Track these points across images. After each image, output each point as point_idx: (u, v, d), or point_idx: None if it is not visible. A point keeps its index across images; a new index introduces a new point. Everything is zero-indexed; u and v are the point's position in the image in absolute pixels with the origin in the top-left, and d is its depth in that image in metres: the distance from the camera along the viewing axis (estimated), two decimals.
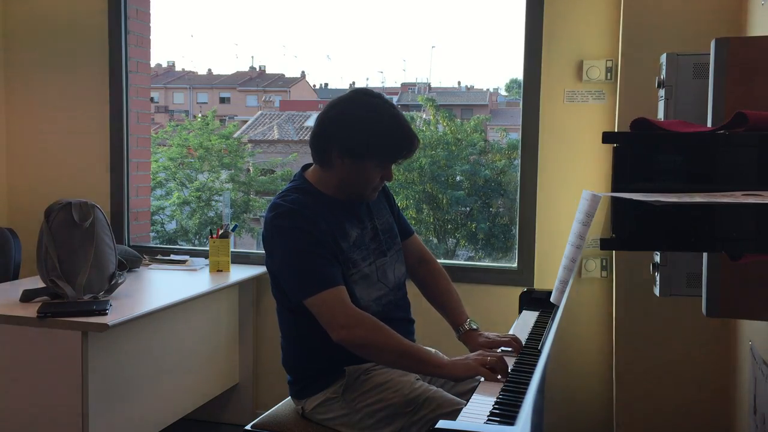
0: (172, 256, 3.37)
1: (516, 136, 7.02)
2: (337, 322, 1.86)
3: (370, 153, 1.93)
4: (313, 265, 1.89)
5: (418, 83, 19.41)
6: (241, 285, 3.25)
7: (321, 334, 1.94)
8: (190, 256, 3.37)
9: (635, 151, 1.68)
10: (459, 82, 24.58)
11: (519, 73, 3.09)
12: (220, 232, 3.17)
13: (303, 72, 24.40)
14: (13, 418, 2.42)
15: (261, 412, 2.14)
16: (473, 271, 3.17)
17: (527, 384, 1.61)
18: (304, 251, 1.90)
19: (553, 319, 1.87)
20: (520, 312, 2.32)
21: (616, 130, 2.71)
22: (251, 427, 2.02)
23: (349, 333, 1.85)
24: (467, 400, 1.58)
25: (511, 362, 1.82)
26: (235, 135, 11.26)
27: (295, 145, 12.14)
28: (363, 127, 1.92)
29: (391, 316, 1.97)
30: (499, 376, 1.74)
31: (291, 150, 11.54)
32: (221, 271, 3.14)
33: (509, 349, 1.92)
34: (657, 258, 1.47)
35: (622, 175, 1.67)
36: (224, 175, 9.98)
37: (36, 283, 2.68)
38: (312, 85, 24.13)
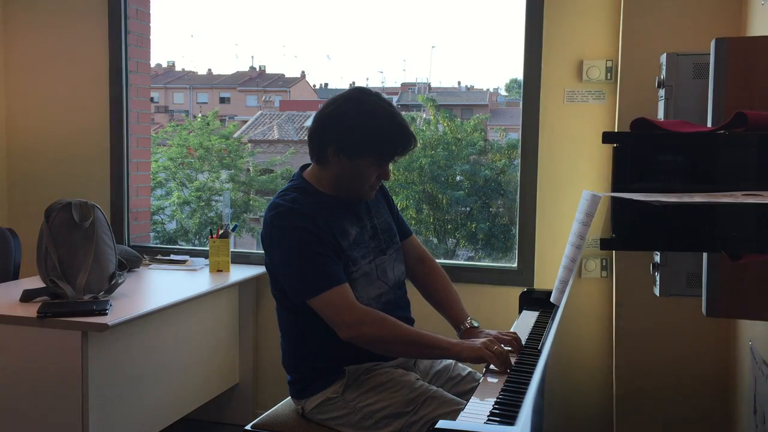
0: (172, 256, 3.37)
1: (516, 135, 7.02)
2: (343, 321, 1.86)
3: (366, 150, 1.93)
4: (316, 264, 1.89)
5: (418, 83, 19.40)
6: (241, 285, 3.25)
7: (321, 334, 1.94)
8: (190, 256, 3.37)
9: (635, 151, 1.68)
10: (459, 82, 24.55)
11: (519, 73, 3.09)
12: (220, 232, 3.17)
13: (303, 72, 24.38)
14: (13, 418, 2.42)
15: (261, 412, 2.14)
16: (473, 271, 3.17)
17: (527, 384, 1.61)
18: (305, 251, 1.90)
19: (553, 319, 1.87)
20: (520, 312, 2.32)
21: (616, 130, 2.71)
22: (251, 427, 2.02)
23: (357, 330, 1.86)
24: (467, 400, 1.59)
25: (511, 362, 1.82)
26: (235, 135, 11.26)
27: (295, 145, 12.13)
28: (358, 125, 1.92)
29: (391, 315, 1.97)
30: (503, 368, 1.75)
31: (290, 150, 11.54)
32: (221, 271, 3.14)
33: (509, 348, 1.92)
34: (657, 258, 1.47)
35: (622, 175, 1.67)
36: (224, 175, 9.97)
37: (36, 283, 2.68)
38: (312, 85, 24.12)
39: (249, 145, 11.65)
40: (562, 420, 0.95)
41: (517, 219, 3.10)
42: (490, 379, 1.73)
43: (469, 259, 8.33)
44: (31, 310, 2.38)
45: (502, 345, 1.91)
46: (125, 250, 3.14)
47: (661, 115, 2.16)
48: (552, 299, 1.97)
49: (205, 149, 9.91)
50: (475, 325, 2.09)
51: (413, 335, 1.90)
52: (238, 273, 3.16)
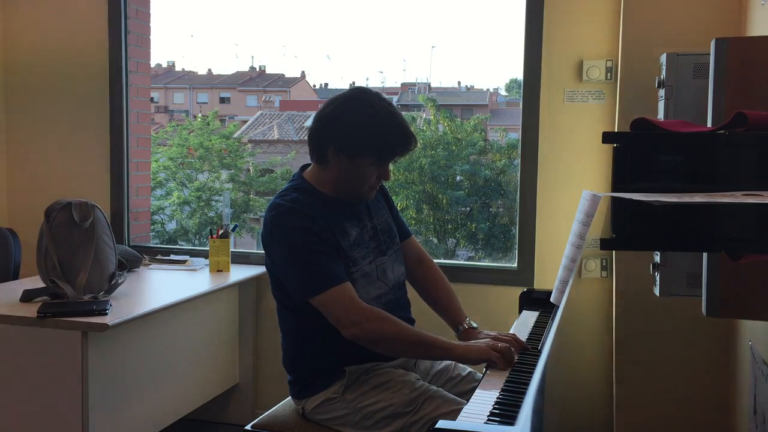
0: (172, 256, 3.37)
1: (516, 135, 7.02)
2: (348, 319, 1.86)
3: (366, 151, 1.93)
4: (318, 263, 1.89)
5: (418, 83, 19.42)
6: (241, 285, 3.25)
7: (321, 334, 1.94)
8: (190, 256, 3.37)
9: (635, 151, 1.68)
10: (459, 82, 24.59)
11: (519, 73, 3.09)
12: (220, 232, 3.17)
13: (303, 72, 24.39)
14: (13, 418, 2.42)
15: (261, 412, 2.14)
16: (473, 271, 3.17)
17: (527, 384, 1.61)
18: (307, 250, 1.90)
19: (553, 319, 1.87)
20: (520, 312, 2.32)
21: (616, 130, 2.71)
22: (251, 427, 2.02)
23: (361, 329, 1.86)
24: (467, 400, 1.59)
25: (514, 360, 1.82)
26: (235, 135, 11.26)
27: (294, 145, 12.14)
28: (358, 125, 1.92)
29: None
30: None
31: (291, 150, 11.55)
32: (221, 271, 3.14)
33: None
34: (657, 258, 1.47)
35: (622, 175, 1.66)
36: (224, 175, 9.98)
37: (36, 283, 2.68)
38: (312, 85, 24.13)
39: (249, 145, 11.65)
40: (562, 420, 0.95)
41: (517, 219, 3.10)
42: (490, 379, 1.73)
43: (469, 259, 8.34)
44: (31, 310, 2.38)
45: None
46: (125, 250, 3.14)
47: (661, 115, 2.16)
48: (552, 299, 1.97)
49: (205, 149, 9.91)
50: (474, 326, 2.09)
51: (417, 335, 1.90)
52: (238, 273, 3.16)
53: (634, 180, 1.64)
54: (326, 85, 25.38)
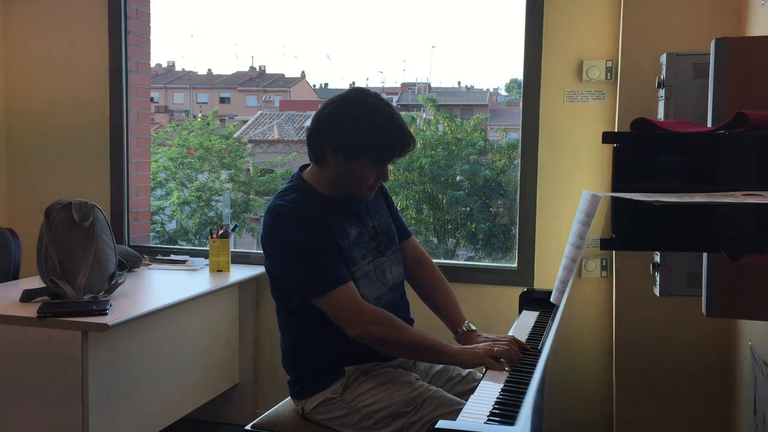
0: (172, 256, 3.37)
1: (516, 135, 7.02)
2: (352, 320, 1.86)
3: (364, 151, 1.93)
4: (321, 264, 1.89)
5: (418, 83, 19.42)
6: (241, 285, 3.25)
7: (321, 334, 1.94)
8: (190, 256, 3.37)
9: (635, 151, 1.68)
10: (459, 82, 24.61)
11: (519, 73, 3.09)
12: (220, 232, 3.17)
13: (303, 72, 24.39)
14: (13, 417, 2.42)
15: (261, 412, 2.14)
16: (473, 271, 3.17)
17: (527, 384, 1.61)
18: (309, 250, 1.89)
19: (553, 319, 1.87)
20: (520, 312, 2.32)
21: (616, 130, 2.71)
22: (251, 427, 2.02)
23: (365, 330, 1.86)
24: (467, 400, 1.58)
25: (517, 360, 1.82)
26: (235, 135, 11.26)
27: (294, 145, 12.14)
28: (357, 125, 1.92)
29: None
30: (507, 367, 1.77)
31: (291, 150, 11.55)
32: (221, 271, 3.14)
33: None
34: (657, 258, 1.47)
35: (622, 175, 1.67)
36: (224, 175, 9.98)
37: (36, 283, 2.68)
38: (312, 85, 24.13)
39: (249, 145, 11.65)
40: (562, 420, 0.95)
41: (517, 219, 3.09)
42: (490, 379, 1.73)
43: (469, 259, 8.34)
44: (31, 310, 2.38)
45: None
46: (125, 250, 3.14)
47: (661, 115, 2.16)
48: (552, 299, 1.97)
49: (205, 149, 9.91)
50: (473, 328, 2.08)
51: (420, 339, 1.90)
52: (238, 273, 3.16)
53: (634, 180, 1.64)
54: (326, 85, 25.40)
